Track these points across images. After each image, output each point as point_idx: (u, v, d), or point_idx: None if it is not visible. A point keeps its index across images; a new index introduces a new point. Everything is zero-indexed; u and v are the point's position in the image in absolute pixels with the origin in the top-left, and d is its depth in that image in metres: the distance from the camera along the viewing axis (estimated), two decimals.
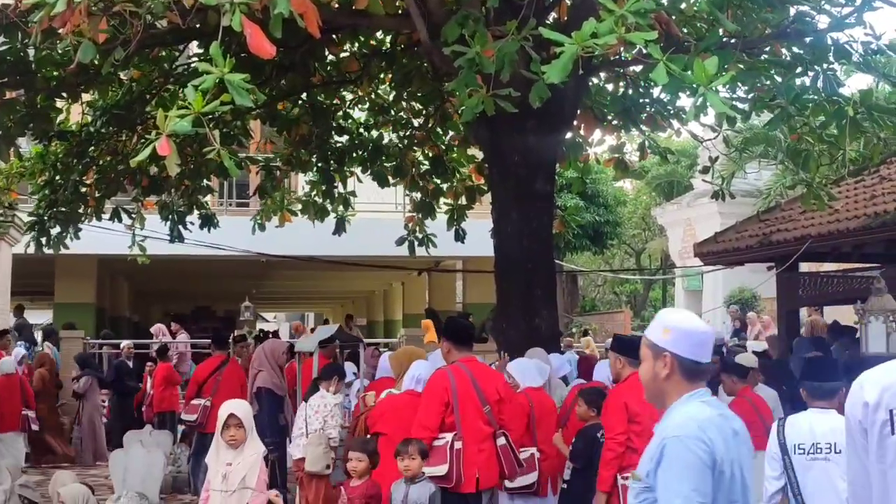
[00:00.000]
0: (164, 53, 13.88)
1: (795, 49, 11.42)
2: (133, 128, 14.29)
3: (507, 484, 8.88)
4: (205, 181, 15.95)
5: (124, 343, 21.50)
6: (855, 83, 17.77)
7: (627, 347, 8.53)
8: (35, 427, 17.01)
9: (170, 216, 15.96)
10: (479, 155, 14.83)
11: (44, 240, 15.48)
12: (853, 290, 15.25)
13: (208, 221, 16.57)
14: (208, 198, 18.14)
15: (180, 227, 16.08)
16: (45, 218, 15.33)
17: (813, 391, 6.68)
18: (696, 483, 4.12)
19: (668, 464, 4.19)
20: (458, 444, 8.33)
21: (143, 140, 11.81)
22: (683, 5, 10.46)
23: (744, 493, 4.35)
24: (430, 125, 16.13)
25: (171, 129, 6.09)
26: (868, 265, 15.90)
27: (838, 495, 5.97)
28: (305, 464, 10.35)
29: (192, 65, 13.01)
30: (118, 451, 13.68)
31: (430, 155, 16.64)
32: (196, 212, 16.28)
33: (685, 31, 10.35)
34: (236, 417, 7.57)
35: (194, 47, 13.82)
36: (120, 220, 15.82)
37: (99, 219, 15.65)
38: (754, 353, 14.08)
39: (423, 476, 8.03)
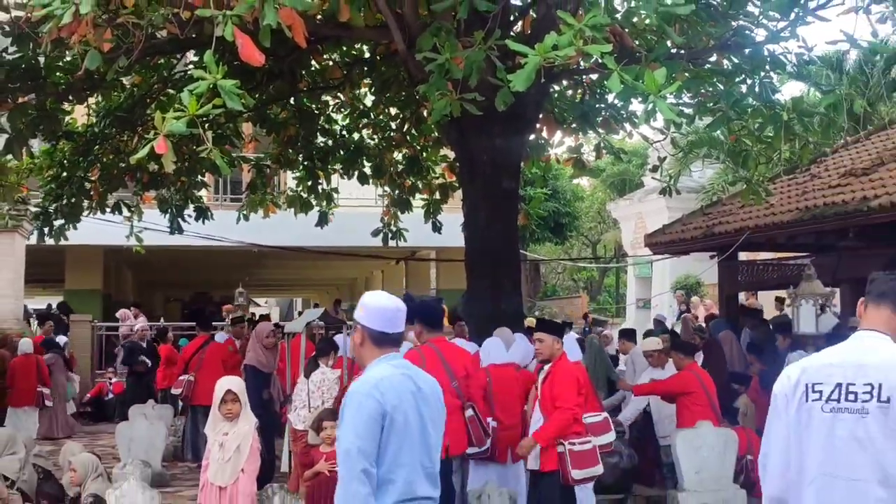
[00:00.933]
0: (163, 61, 13.83)
1: (736, 59, 11.45)
2: (134, 128, 14.22)
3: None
4: (200, 177, 15.89)
5: (138, 325, 21.45)
6: (789, 90, 17.89)
7: (551, 328, 8.90)
8: (49, 403, 17.09)
9: (168, 210, 15.95)
10: (451, 155, 14.85)
11: (46, 230, 15.48)
12: (786, 276, 15.41)
13: (202, 214, 16.50)
14: (204, 193, 18.15)
15: (179, 219, 16.04)
16: (51, 210, 15.33)
17: None
18: (360, 429, 4.64)
19: (344, 413, 4.76)
20: None
21: (143, 140, 11.77)
22: (635, 20, 10.43)
23: (423, 439, 4.87)
24: (406, 128, 16.12)
25: (167, 130, 6.08)
26: (799, 254, 16.06)
27: None
28: (308, 437, 10.30)
29: (189, 71, 12.94)
30: (124, 424, 13.67)
31: (406, 155, 16.61)
32: (191, 205, 16.22)
33: (637, 42, 10.34)
34: (232, 393, 7.72)
35: (191, 55, 13.76)
36: (122, 214, 15.82)
37: (103, 212, 15.61)
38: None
39: None
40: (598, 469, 8.43)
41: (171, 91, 13.47)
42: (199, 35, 8.23)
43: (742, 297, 17.76)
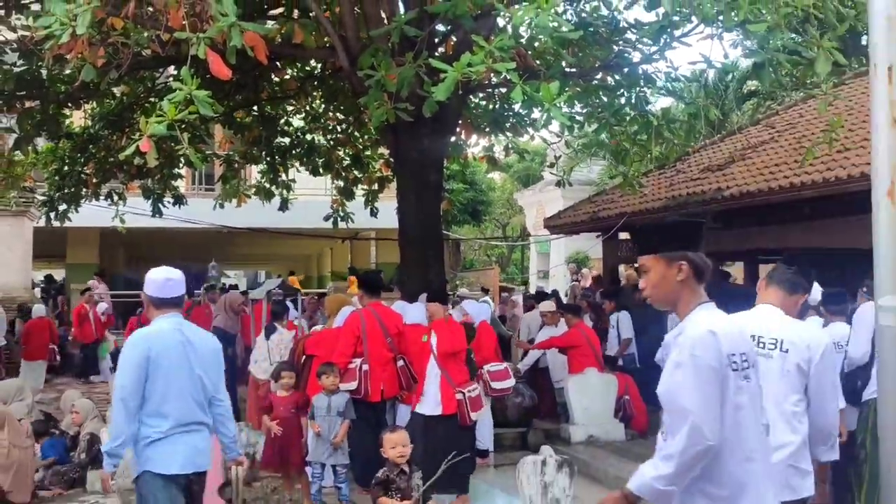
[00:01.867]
0: (147, 74, 13.68)
1: (617, 77, 11.53)
2: (123, 130, 14.08)
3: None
4: (177, 170, 15.72)
5: (99, 290, 21.29)
6: (659, 102, 18.09)
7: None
8: (58, 358, 17.56)
9: (151, 197, 15.75)
10: (387, 153, 14.81)
11: (52, 214, 15.29)
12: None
13: (179, 200, 16.42)
14: (182, 183, 18.00)
15: (159, 205, 15.85)
16: (55, 198, 15.14)
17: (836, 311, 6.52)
18: (126, 369, 5.07)
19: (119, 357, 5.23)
20: (365, 367, 8.49)
21: (130, 140, 11.63)
22: (536, 43, 10.49)
23: (191, 378, 5.20)
24: (350, 130, 16.08)
25: (150, 132, 6.03)
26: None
27: None
28: (271, 385, 10.26)
29: (169, 83, 12.78)
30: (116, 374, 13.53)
31: (351, 153, 16.56)
32: (170, 194, 16.07)
33: (537, 62, 10.39)
34: None
35: (171, 70, 13.56)
36: (112, 200, 15.59)
37: (98, 199, 15.45)
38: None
39: (339, 389, 8.13)
40: (486, 410, 8.73)
41: (154, 99, 13.32)
42: (177, 53, 8.13)
43: (622, 268, 17.91)
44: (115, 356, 19.68)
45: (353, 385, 8.39)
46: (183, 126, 6.47)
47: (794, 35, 7.89)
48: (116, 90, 13.63)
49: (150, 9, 7.33)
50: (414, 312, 9.73)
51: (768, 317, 4.76)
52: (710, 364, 3.44)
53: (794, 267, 5.02)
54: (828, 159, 10.92)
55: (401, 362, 8.84)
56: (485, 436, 9.94)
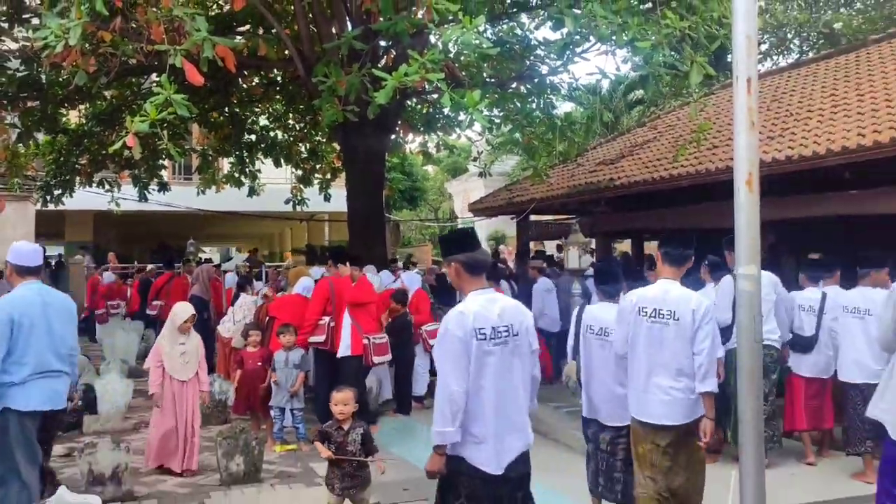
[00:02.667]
0: (133, 80, 13.45)
1: (528, 86, 11.61)
2: (113, 127, 13.82)
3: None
4: (161, 162, 15.38)
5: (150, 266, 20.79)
6: (563, 108, 18.29)
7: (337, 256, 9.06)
8: None
9: (138, 184, 15.46)
10: (338, 148, 14.75)
11: (48, 197, 15.04)
12: (560, 231, 15.70)
13: (163, 187, 16.21)
14: (165, 172, 17.70)
15: (145, 191, 15.61)
16: (51, 184, 14.86)
17: (604, 292, 5.87)
18: None
19: None
20: (332, 324, 8.56)
21: (119, 136, 11.41)
22: (462, 57, 10.50)
23: (49, 333, 5.31)
24: (307, 129, 15.99)
25: (135, 130, 5.95)
26: (569, 216, 16.30)
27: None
28: (233, 342, 10.19)
29: (152, 88, 12.55)
30: (105, 326, 13.41)
31: (308, 147, 16.49)
32: (155, 181, 15.79)
33: (463, 73, 10.40)
34: (193, 316, 7.33)
35: (154, 76, 13.31)
36: (105, 187, 15.22)
37: (91, 185, 15.14)
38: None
39: (296, 346, 8.20)
40: (388, 357, 8.67)
41: (140, 101, 13.09)
42: (159, 62, 7.98)
43: (532, 245, 18.03)
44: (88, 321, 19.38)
45: (321, 338, 8.52)
46: (164, 125, 6.39)
47: (673, 52, 8.02)
48: (107, 93, 13.37)
49: (135, 24, 7.19)
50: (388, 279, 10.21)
51: (665, 290, 5.04)
52: (457, 334, 3.89)
53: (680, 246, 5.17)
54: (700, 155, 11.10)
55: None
56: (420, 384, 10.03)
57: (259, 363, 8.26)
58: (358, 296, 8.51)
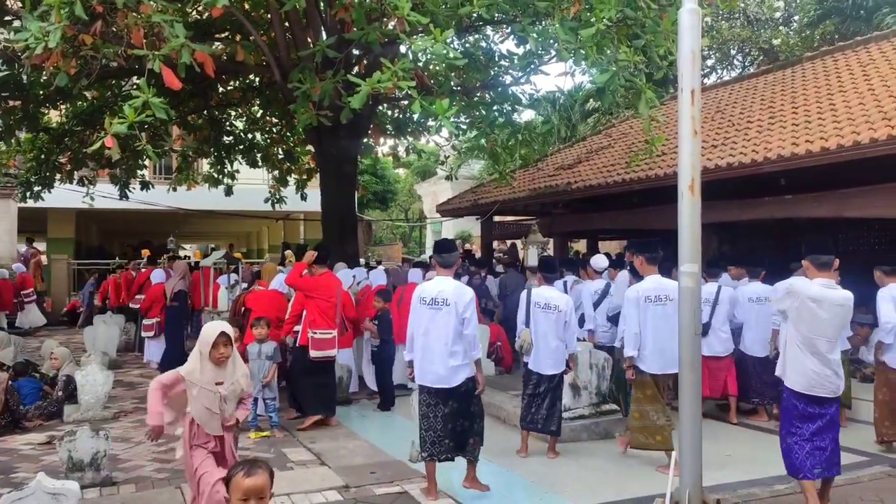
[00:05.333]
0: (114, 81, 13.09)
1: (493, 95, 11.59)
2: (94, 127, 13.44)
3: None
4: (141, 161, 15.03)
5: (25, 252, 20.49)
6: (525, 116, 18.30)
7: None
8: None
9: (118, 183, 15.12)
10: (313, 150, 14.57)
11: (27, 194, 14.65)
12: (521, 230, 15.76)
13: (144, 186, 15.86)
14: (146, 171, 17.40)
15: (126, 189, 15.25)
16: (31, 181, 14.42)
17: (546, 278, 7.13)
18: None
19: None
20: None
21: (99, 136, 11.17)
22: (431, 66, 10.44)
23: None
24: (283, 131, 15.78)
25: (113, 131, 5.78)
26: (530, 217, 16.31)
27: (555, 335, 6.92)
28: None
29: (132, 90, 12.32)
30: (89, 327, 13.07)
31: (284, 149, 16.26)
32: (136, 180, 15.47)
33: (432, 81, 10.33)
34: (226, 335, 4.57)
35: (135, 79, 13.04)
36: (85, 185, 14.85)
37: (72, 183, 14.75)
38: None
39: (268, 339, 8.01)
40: (332, 352, 8.22)
41: (121, 103, 12.78)
42: (139, 65, 7.81)
43: (495, 243, 18.04)
44: (72, 314, 19.04)
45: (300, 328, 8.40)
46: (145, 126, 6.24)
47: (628, 80, 8.07)
48: (88, 94, 13.02)
49: (115, 28, 7.01)
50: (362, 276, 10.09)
51: (659, 282, 6.76)
52: (414, 301, 5.93)
53: (655, 250, 6.77)
54: (651, 161, 11.19)
55: (338, 318, 8.85)
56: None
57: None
58: (310, 290, 8.28)
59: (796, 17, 24.23)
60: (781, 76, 13.73)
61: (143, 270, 14.91)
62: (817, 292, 5.16)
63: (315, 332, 8.10)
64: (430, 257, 14.78)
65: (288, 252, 12.99)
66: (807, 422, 5.18)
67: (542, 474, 6.44)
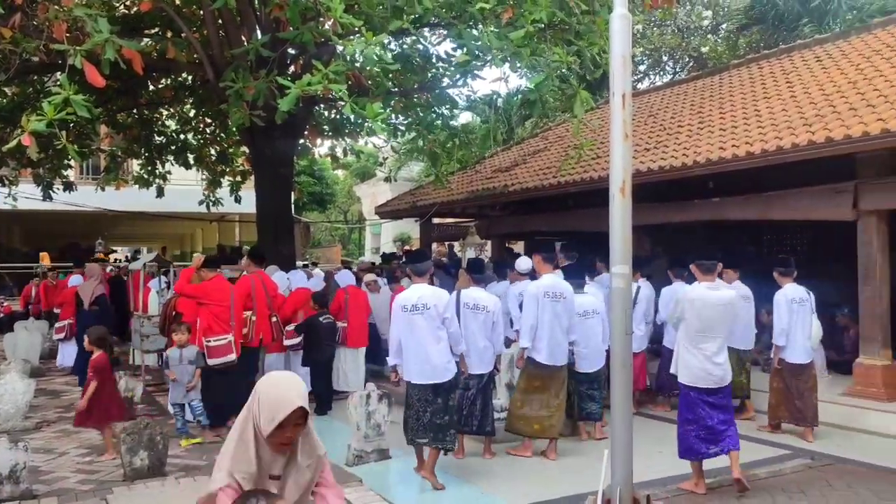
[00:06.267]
0: (35, 77, 12.49)
1: (430, 97, 11.54)
2: (14, 125, 12.77)
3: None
4: (66, 161, 14.22)
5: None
6: (463, 118, 18.32)
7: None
8: None
9: (41, 183, 14.41)
10: (247, 151, 14.29)
11: None
12: (459, 232, 15.74)
13: (68, 187, 15.20)
14: (72, 172, 16.76)
15: (49, 190, 14.51)
16: None
17: (475, 279, 7.17)
18: None
19: None
20: (253, 318, 8.40)
21: (16, 134, 10.67)
22: (367, 68, 10.33)
23: None
24: (216, 132, 15.46)
25: (31, 129, 5.51)
26: (468, 219, 16.32)
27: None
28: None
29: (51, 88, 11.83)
30: (9, 334, 12.51)
31: (218, 150, 15.92)
32: (59, 181, 14.78)
33: (369, 81, 10.21)
34: (304, 410, 2.64)
35: (59, 75, 12.57)
36: (5, 185, 14.19)
37: None
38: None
39: (189, 343, 7.74)
40: (231, 357, 7.85)
41: (42, 99, 12.30)
42: (62, 61, 7.50)
43: (434, 245, 17.96)
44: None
45: (243, 331, 8.23)
46: (68, 125, 5.98)
47: (560, 80, 8.12)
48: (9, 90, 12.50)
49: (36, 22, 6.70)
50: (297, 279, 9.96)
51: (558, 280, 7.19)
52: (396, 307, 6.28)
53: (551, 249, 7.28)
54: (585, 164, 11.30)
55: (274, 318, 8.80)
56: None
57: None
58: (201, 296, 8.00)
59: (724, 26, 24.81)
60: (710, 82, 14.01)
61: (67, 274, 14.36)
62: (700, 293, 5.86)
63: (209, 340, 7.73)
64: (379, 265, 14.54)
65: (196, 255, 12.68)
66: (698, 409, 5.81)
67: (478, 475, 6.44)
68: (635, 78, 24.90)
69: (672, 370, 6.08)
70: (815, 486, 5.99)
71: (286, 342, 9.24)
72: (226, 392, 8.29)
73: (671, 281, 8.78)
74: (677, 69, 25.72)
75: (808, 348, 7.74)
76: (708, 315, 5.79)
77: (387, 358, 6.47)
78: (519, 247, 19.32)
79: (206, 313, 7.83)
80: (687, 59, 25.11)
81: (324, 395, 9.05)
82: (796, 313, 7.65)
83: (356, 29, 7.34)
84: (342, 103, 11.17)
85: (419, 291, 6.26)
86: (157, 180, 15.51)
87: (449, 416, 6.28)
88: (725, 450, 5.81)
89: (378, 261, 17.07)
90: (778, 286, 7.84)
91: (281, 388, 2.57)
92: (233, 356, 7.88)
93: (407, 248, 24.64)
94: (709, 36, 25.30)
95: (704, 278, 6.02)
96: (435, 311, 6.16)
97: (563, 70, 7.93)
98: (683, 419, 5.91)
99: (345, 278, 10.35)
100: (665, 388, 8.71)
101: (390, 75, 10.95)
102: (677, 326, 6.10)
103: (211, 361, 7.69)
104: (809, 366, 7.78)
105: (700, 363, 5.80)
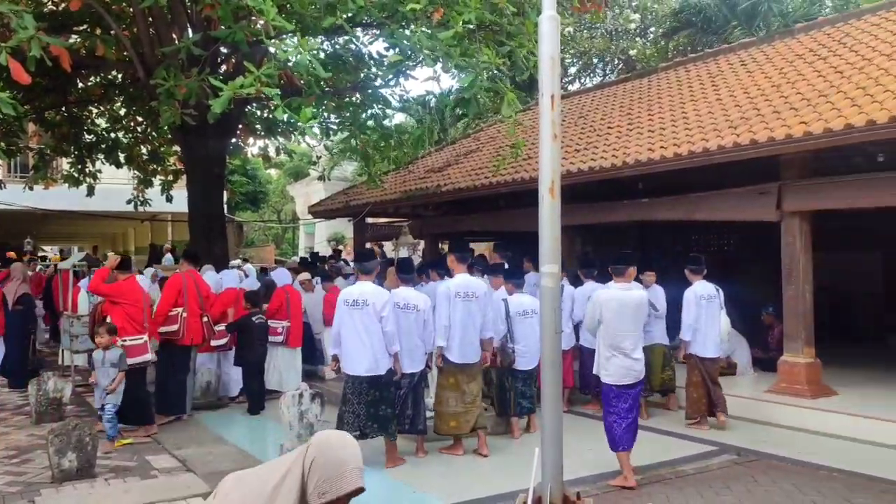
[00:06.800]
0: None
1: (363, 96, 11.56)
2: None
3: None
4: None
5: None
6: (397, 118, 18.24)
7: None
8: None
9: None
10: (179, 150, 14.06)
11: None
12: (393, 232, 15.68)
13: None
14: None
15: None
16: None
17: (403, 279, 7.18)
18: None
19: None
20: (184, 315, 8.37)
21: None
22: (300, 67, 10.30)
23: None
24: (148, 131, 15.13)
25: None
26: (401, 219, 16.27)
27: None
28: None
29: None
30: None
31: (149, 149, 15.58)
32: None
33: (302, 80, 10.18)
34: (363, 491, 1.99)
35: None
36: None
37: None
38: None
39: (113, 344, 7.51)
40: (147, 356, 7.90)
41: None
42: None
43: (368, 243, 17.93)
44: None
45: (174, 327, 8.27)
46: None
47: (490, 80, 8.24)
48: None
49: None
50: (229, 278, 9.90)
51: (470, 279, 7.18)
52: (340, 303, 6.61)
53: (465, 249, 7.36)
54: (517, 164, 11.41)
55: (205, 318, 8.71)
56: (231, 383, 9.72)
57: None
58: (115, 296, 7.91)
59: (652, 29, 25.23)
60: (639, 85, 14.19)
61: None
62: (612, 294, 6.21)
63: (125, 340, 7.66)
64: (298, 262, 14.43)
65: (111, 254, 12.41)
66: (620, 403, 6.12)
67: (410, 473, 6.43)
68: (566, 80, 25.17)
69: (595, 371, 6.34)
70: (741, 481, 6.07)
71: (213, 342, 9.14)
72: (156, 391, 8.28)
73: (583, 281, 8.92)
74: (607, 71, 26.05)
75: (718, 343, 7.94)
76: (623, 314, 6.09)
77: (330, 354, 6.69)
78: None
79: (120, 313, 7.79)
80: (616, 62, 25.45)
81: (256, 395, 9.01)
82: (705, 309, 7.85)
83: (290, 29, 7.36)
84: (275, 104, 11.23)
85: (362, 288, 6.60)
86: (87, 179, 15.11)
87: (390, 408, 6.55)
88: (635, 437, 6.16)
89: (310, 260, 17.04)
90: (688, 283, 8.02)
91: (341, 458, 2.06)
92: (149, 356, 7.91)
93: (339, 248, 24.54)
94: (637, 39, 25.69)
95: (618, 280, 6.32)
96: (373, 308, 6.46)
97: (494, 71, 8.04)
98: (609, 412, 6.16)
99: (282, 277, 10.25)
100: (589, 387, 8.80)
101: (323, 82, 10.97)
102: (595, 332, 6.35)
103: (130, 360, 7.57)
104: (718, 360, 8.10)
105: (622, 362, 6.07)
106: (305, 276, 11.25)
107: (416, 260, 11.46)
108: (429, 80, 10.64)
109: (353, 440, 2.08)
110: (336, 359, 6.66)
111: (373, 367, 6.43)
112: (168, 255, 18.45)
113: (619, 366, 6.09)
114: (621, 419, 6.08)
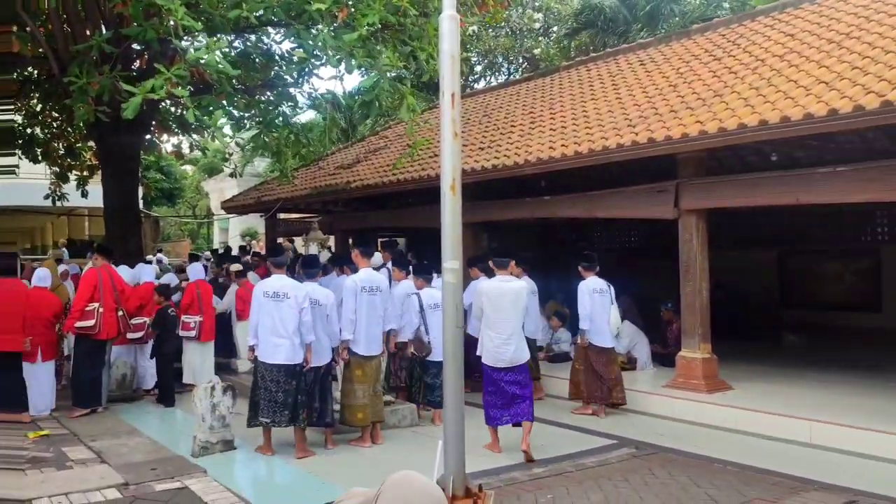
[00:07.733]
0: None
1: (272, 94, 11.49)
2: None
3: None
4: None
5: None
6: (306, 116, 18.02)
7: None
8: None
9: None
10: (95, 146, 13.60)
11: None
12: (304, 227, 15.41)
13: None
14: None
15: None
16: None
17: (307, 275, 7.15)
18: None
19: None
20: (100, 310, 8.25)
21: None
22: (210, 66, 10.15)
23: None
24: (63, 126, 14.51)
25: None
26: (313, 214, 15.96)
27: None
28: None
29: None
30: None
31: (65, 145, 14.97)
32: None
33: (213, 77, 10.03)
34: None
35: None
36: None
37: None
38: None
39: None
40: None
41: None
42: None
43: (280, 239, 17.64)
44: None
45: (91, 322, 8.16)
46: None
47: (392, 86, 8.32)
48: None
49: None
50: (147, 273, 9.70)
51: (373, 274, 7.25)
52: (258, 294, 6.62)
53: (369, 243, 7.45)
54: (423, 162, 11.37)
55: (121, 312, 8.58)
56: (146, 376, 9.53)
57: None
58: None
59: (555, 29, 25.02)
60: (542, 83, 14.05)
61: None
62: (491, 285, 6.62)
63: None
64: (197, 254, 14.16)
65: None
66: (494, 384, 6.49)
67: (318, 465, 6.29)
68: (472, 79, 25.07)
69: (478, 352, 6.63)
70: (639, 473, 5.98)
71: (129, 335, 8.91)
72: (72, 384, 8.12)
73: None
74: (512, 70, 25.60)
75: (610, 334, 8.00)
76: (500, 304, 6.48)
77: (249, 344, 6.71)
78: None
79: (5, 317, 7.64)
80: (521, 61, 25.05)
81: (167, 387, 8.88)
82: (598, 302, 7.90)
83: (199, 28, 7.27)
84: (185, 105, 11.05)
85: (281, 281, 6.65)
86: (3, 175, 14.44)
87: (303, 396, 6.58)
88: (516, 418, 6.45)
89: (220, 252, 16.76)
90: (582, 278, 8.06)
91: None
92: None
93: (254, 241, 24.18)
94: (540, 38, 25.30)
95: (499, 272, 6.71)
96: (294, 300, 6.51)
97: (397, 72, 8.12)
98: (485, 391, 6.61)
99: (196, 271, 10.06)
100: (474, 371, 8.75)
101: (233, 80, 10.84)
102: (480, 317, 6.65)
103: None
104: (611, 350, 8.09)
105: (495, 346, 6.47)
106: (238, 267, 11.04)
107: (325, 256, 11.34)
108: (333, 80, 10.76)
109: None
110: (253, 349, 6.63)
111: (290, 357, 6.47)
112: (63, 250, 17.83)
113: (492, 349, 6.49)
114: (495, 398, 6.49)
